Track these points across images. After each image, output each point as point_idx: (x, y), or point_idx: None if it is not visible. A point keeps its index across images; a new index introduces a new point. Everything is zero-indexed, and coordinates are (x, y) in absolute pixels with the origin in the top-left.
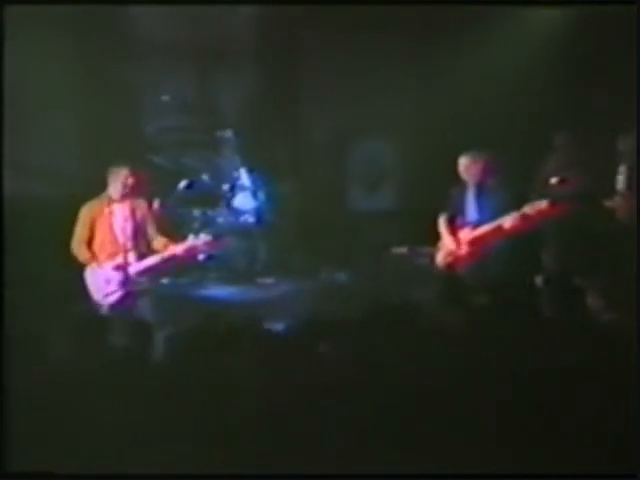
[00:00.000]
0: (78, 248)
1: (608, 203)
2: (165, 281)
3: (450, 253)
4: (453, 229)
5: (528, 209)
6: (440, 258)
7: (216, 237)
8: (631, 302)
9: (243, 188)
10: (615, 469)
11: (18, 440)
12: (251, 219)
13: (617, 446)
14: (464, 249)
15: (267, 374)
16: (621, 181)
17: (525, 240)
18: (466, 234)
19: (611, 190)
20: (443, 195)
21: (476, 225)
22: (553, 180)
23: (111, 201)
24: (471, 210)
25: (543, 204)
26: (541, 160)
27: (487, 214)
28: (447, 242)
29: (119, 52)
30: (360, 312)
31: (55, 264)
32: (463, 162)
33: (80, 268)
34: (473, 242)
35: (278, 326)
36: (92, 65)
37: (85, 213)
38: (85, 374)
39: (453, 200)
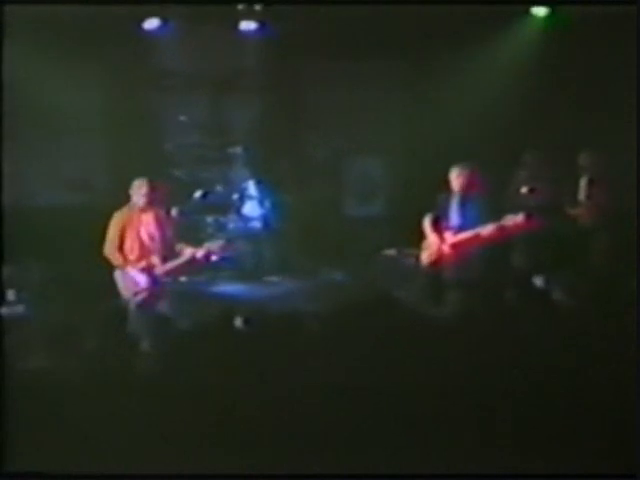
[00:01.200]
0: (111, 252)
1: (571, 211)
2: (183, 279)
3: (434, 252)
4: (437, 230)
5: (506, 221)
6: (425, 256)
7: (228, 241)
8: (597, 298)
9: (251, 197)
10: (615, 469)
11: (18, 440)
12: (258, 225)
13: (617, 446)
14: (447, 250)
15: (273, 361)
16: (582, 192)
17: (499, 243)
18: (449, 237)
19: (573, 200)
20: (426, 204)
21: (458, 229)
22: (524, 189)
23: (139, 210)
24: (454, 215)
25: (519, 217)
26: (513, 174)
27: (468, 221)
28: (431, 241)
29: (144, 79)
30: (355, 306)
31: (87, 264)
32: (452, 172)
33: (109, 268)
34: (455, 245)
35: (282, 319)
36: (120, 92)
37: (116, 220)
38: (85, 375)
39: (440, 204)
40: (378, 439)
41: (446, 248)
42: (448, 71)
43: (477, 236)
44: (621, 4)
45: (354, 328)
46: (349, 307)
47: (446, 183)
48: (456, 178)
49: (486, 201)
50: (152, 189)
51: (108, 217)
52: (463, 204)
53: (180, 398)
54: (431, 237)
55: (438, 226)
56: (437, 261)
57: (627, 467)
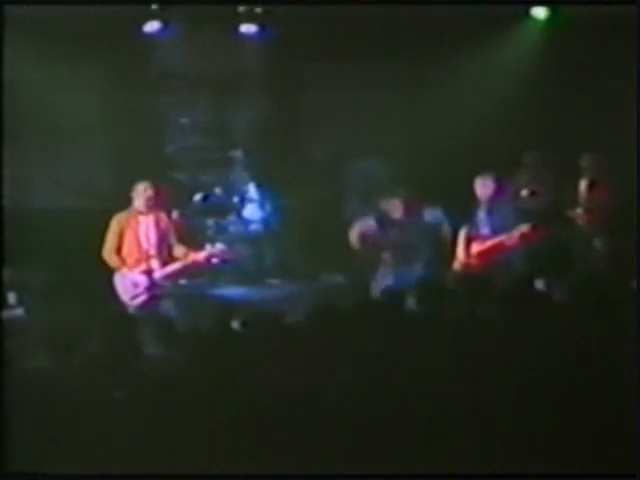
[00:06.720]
0: (109, 255)
1: (571, 213)
2: (184, 282)
3: (460, 262)
4: (469, 242)
5: (515, 232)
6: (455, 265)
7: (230, 246)
8: (597, 300)
9: (252, 200)
10: (615, 469)
11: (18, 440)
12: (259, 228)
13: (617, 446)
14: (472, 260)
15: (275, 363)
16: (583, 194)
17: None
18: (475, 247)
19: (574, 202)
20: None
21: (486, 238)
22: (524, 193)
23: (137, 213)
24: (483, 225)
25: (525, 228)
26: (514, 176)
27: (498, 229)
28: (459, 253)
29: (144, 82)
30: (355, 308)
31: (88, 268)
32: (477, 182)
33: (109, 272)
34: (480, 254)
35: (282, 321)
36: (120, 94)
37: (115, 223)
38: (85, 376)
39: (471, 215)
40: (378, 439)
41: (471, 259)
42: (448, 72)
43: (498, 245)
44: (621, 4)
45: (354, 331)
46: (349, 310)
47: (466, 190)
48: (482, 188)
49: (512, 208)
50: (156, 192)
51: (109, 220)
52: (490, 213)
53: (179, 399)
54: (460, 249)
55: (470, 238)
56: (461, 270)
57: (627, 467)
